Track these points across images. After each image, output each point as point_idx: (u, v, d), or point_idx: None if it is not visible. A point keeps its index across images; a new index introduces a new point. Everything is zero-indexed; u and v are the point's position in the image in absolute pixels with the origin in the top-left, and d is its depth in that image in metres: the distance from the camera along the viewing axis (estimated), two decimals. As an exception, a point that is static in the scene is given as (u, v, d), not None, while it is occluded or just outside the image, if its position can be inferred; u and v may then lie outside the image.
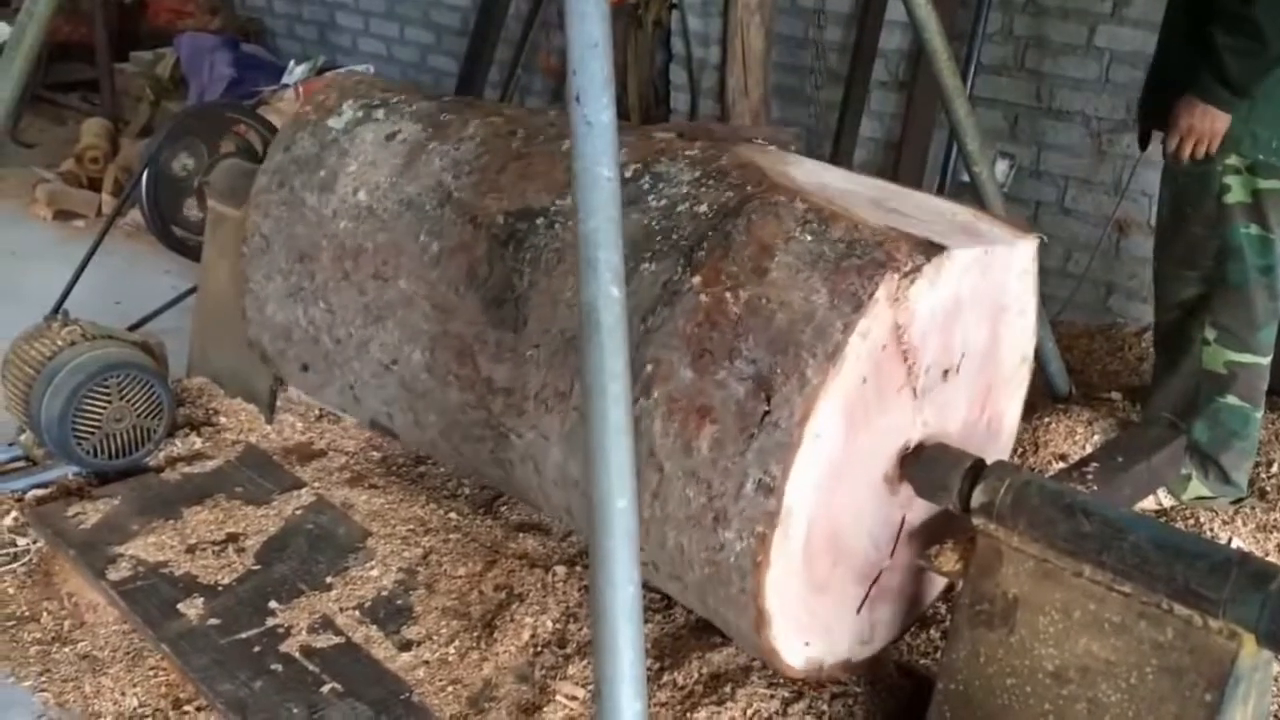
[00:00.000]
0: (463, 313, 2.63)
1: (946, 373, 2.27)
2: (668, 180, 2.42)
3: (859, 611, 2.40)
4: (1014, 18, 4.45)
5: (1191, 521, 3.22)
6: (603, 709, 1.69)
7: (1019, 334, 2.50)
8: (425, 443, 3.02)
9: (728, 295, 2.16)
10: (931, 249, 2.09)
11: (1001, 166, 4.58)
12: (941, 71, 3.21)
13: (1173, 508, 3.24)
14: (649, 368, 2.20)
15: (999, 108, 4.57)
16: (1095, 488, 2.49)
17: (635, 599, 1.68)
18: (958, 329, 2.26)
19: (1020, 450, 3.48)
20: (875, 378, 2.11)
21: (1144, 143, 3.28)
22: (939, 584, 2.60)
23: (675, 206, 2.35)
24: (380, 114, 3.01)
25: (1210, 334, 3.11)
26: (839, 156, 4.77)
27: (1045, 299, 4.49)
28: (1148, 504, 3.22)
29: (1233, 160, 2.95)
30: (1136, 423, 3.42)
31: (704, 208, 2.31)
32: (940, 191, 4.57)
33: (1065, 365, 3.87)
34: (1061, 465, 3.31)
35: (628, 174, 2.46)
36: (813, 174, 2.43)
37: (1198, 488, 3.21)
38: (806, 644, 2.29)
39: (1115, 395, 3.79)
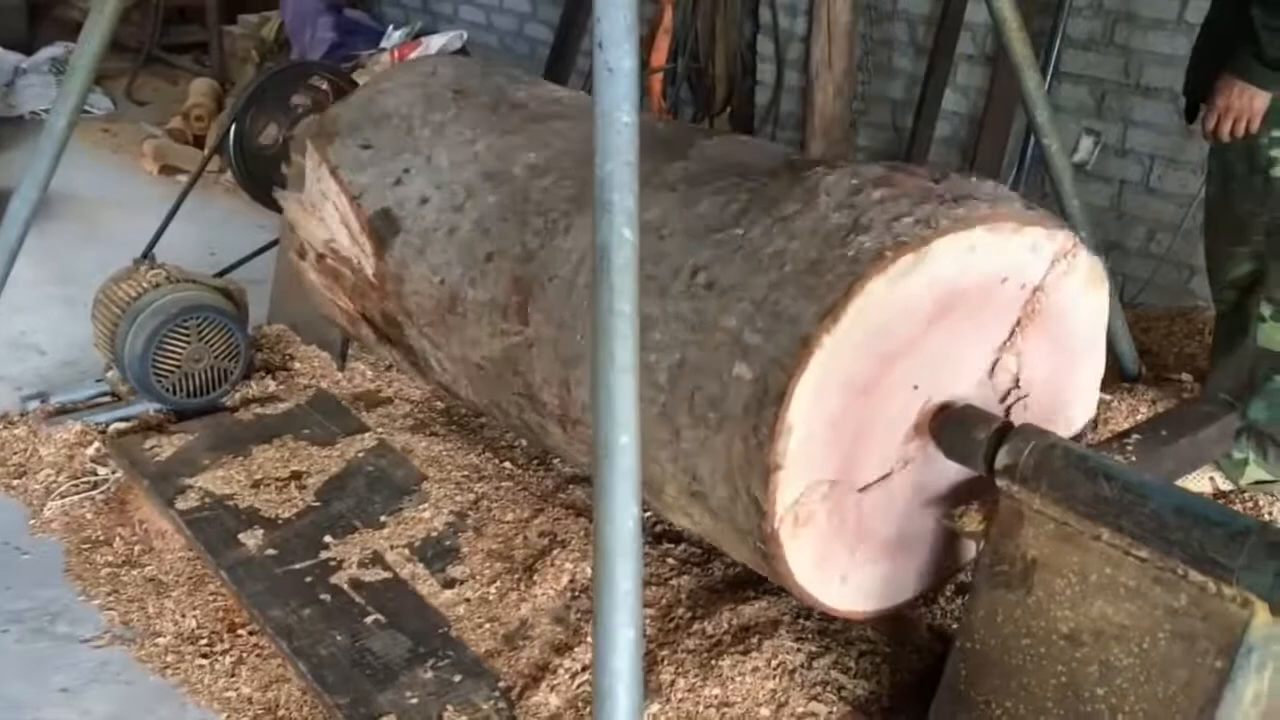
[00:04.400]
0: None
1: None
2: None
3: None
4: (1104, -9, 4.38)
5: (1250, 505, 3.17)
6: (598, 635, 1.75)
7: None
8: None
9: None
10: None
11: (1086, 143, 4.51)
12: (1011, 40, 3.19)
13: (1231, 492, 3.19)
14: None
15: (1086, 83, 4.49)
16: (1134, 459, 2.47)
17: (634, 532, 1.74)
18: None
19: (1080, 427, 3.45)
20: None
21: (1190, 116, 3.23)
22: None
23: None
24: None
25: (1266, 310, 3.05)
26: (919, 130, 4.75)
27: (1125, 279, 4.46)
28: (1204, 488, 3.17)
29: (1278, 133, 2.90)
30: (1189, 399, 3.37)
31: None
32: (1020, 166, 4.54)
33: (1139, 347, 3.82)
34: (1118, 444, 3.27)
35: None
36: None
37: (1256, 471, 3.15)
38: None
39: (1185, 377, 3.72)
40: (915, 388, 2.24)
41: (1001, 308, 2.30)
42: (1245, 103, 2.86)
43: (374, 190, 3.02)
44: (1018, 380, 2.38)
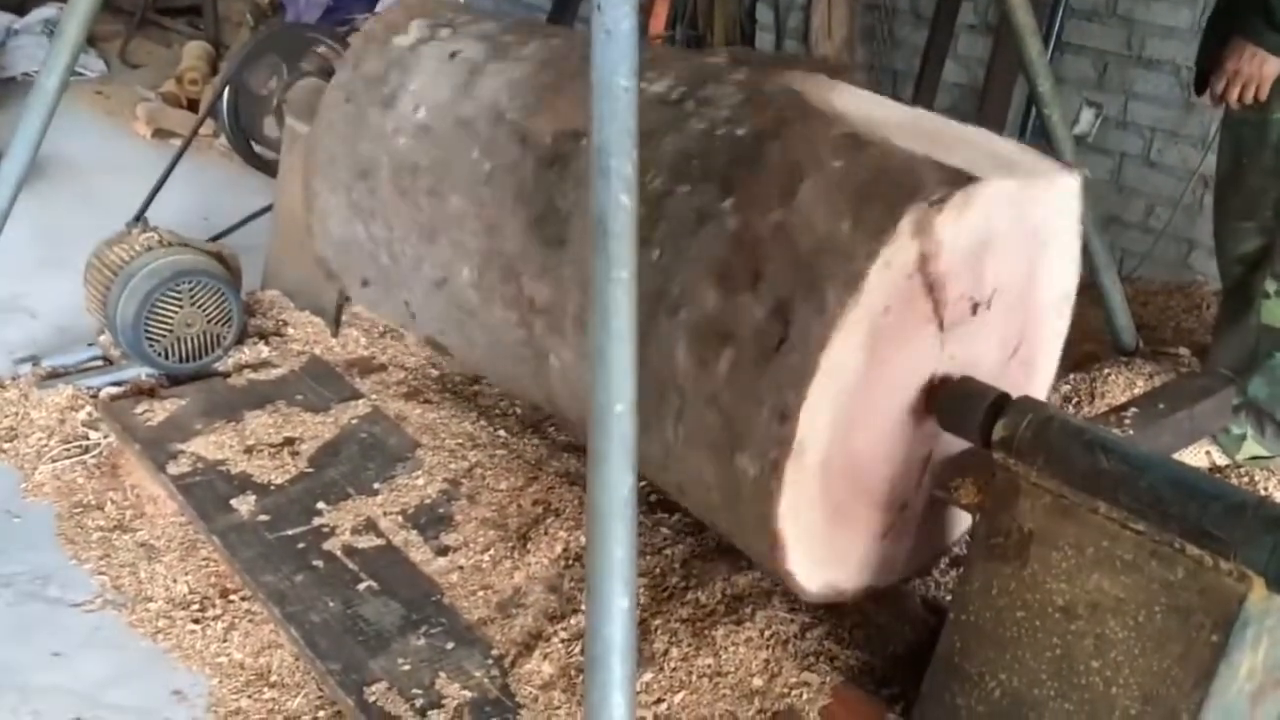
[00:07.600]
0: (510, 231, 2.68)
1: (976, 307, 2.25)
2: (712, 103, 2.43)
3: (882, 541, 2.41)
4: (1108, -39, 4.35)
5: (1246, 481, 3.16)
6: (591, 603, 1.74)
7: (1059, 272, 2.45)
8: (474, 362, 3.10)
9: (756, 219, 2.16)
10: (961, 178, 2.07)
11: (1087, 115, 4.49)
12: (1014, 8, 3.15)
13: (1227, 467, 3.18)
14: (676, 290, 2.24)
15: (1088, 55, 4.46)
16: (1132, 432, 2.46)
17: (628, 500, 1.72)
18: (989, 263, 2.23)
19: (1076, 400, 3.44)
20: (899, 308, 2.11)
21: (1200, 87, 3.20)
22: (966, 520, 2.60)
23: (715, 130, 2.36)
24: (445, 33, 3.05)
25: (1271, 286, 3.04)
26: (919, 100, 4.71)
27: (1124, 253, 4.44)
28: (1201, 463, 3.16)
29: None
30: (1186, 374, 3.35)
31: (743, 131, 2.32)
32: (1021, 137, 4.50)
33: (1137, 320, 3.81)
34: (1115, 418, 3.26)
35: (674, 96, 2.48)
36: (856, 102, 2.42)
37: (1253, 447, 3.14)
38: (823, 570, 2.31)
39: (1183, 351, 3.71)
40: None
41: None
42: (1255, 68, 2.85)
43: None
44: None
